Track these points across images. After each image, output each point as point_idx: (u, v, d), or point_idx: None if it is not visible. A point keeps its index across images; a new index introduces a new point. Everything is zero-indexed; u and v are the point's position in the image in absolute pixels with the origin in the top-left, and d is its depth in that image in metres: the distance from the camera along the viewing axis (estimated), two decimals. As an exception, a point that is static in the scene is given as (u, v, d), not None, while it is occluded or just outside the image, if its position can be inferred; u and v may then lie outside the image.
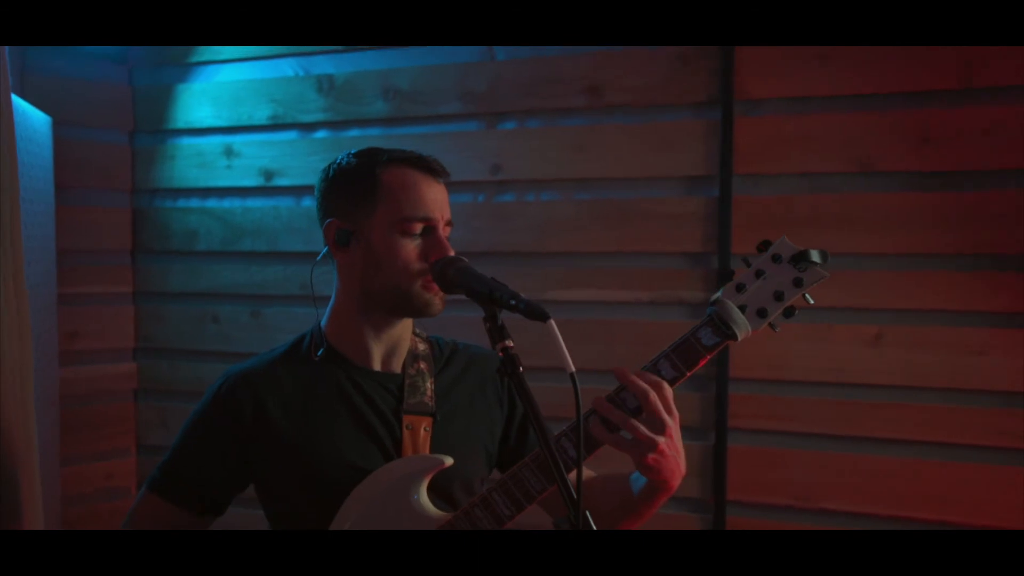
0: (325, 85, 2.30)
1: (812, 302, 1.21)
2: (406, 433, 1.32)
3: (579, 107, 2.08)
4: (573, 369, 1.01)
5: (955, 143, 1.81)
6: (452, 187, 1.39)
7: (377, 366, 1.36)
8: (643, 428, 1.14)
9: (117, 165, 2.46)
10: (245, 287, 2.40)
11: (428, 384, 1.36)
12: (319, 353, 1.34)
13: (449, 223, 1.33)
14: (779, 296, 1.19)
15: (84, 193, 2.39)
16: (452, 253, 1.28)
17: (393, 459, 1.31)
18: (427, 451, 1.33)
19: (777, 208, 1.93)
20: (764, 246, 1.21)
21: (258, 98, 2.36)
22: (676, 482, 1.20)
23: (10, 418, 1.56)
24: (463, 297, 1.20)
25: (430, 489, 1.29)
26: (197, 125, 2.42)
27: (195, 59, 2.42)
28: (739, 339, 1.19)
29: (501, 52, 2.15)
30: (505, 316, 1.12)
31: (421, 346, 1.40)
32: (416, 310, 1.31)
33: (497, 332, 1.09)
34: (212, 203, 2.43)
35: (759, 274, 1.20)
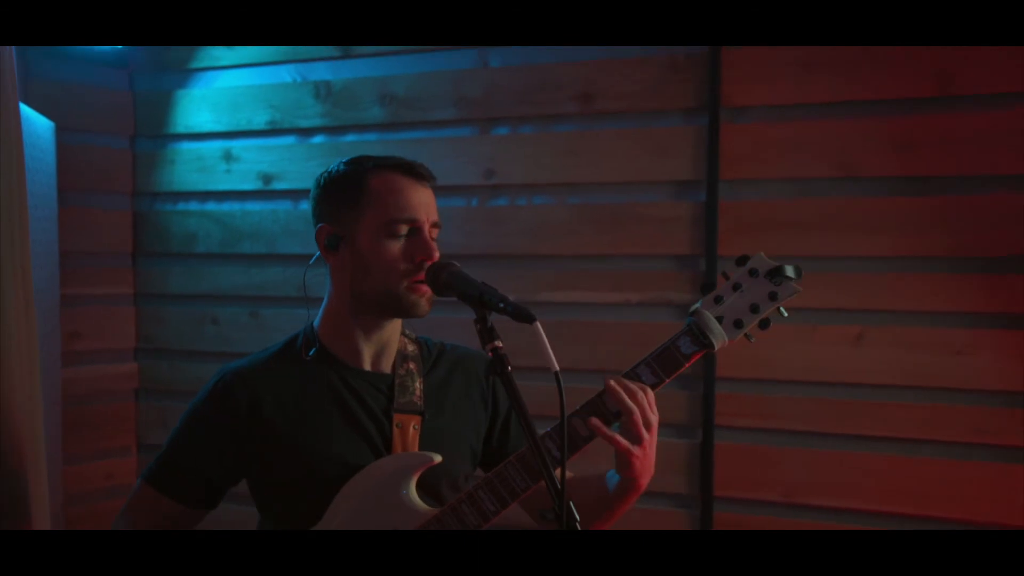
0: (322, 91, 2.35)
1: (786, 315, 1.27)
2: (396, 431, 1.37)
3: (571, 113, 2.13)
4: (557, 368, 1.06)
5: (934, 149, 1.86)
6: (446, 191, 1.44)
7: (367, 366, 1.41)
8: (634, 429, 1.22)
9: (118, 169, 2.50)
10: (244, 289, 2.44)
11: (417, 384, 1.41)
12: (311, 353, 1.39)
13: (436, 225, 1.38)
14: (755, 308, 1.26)
15: (86, 196, 2.44)
16: (437, 254, 1.34)
17: (383, 456, 1.36)
18: (416, 448, 1.38)
19: (762, 212, 1.98)
20: (742, 260, 1.28)
21: (257, 104, 2.41)
22: (645, 481, 1.28)
23: (20, 420, 1.60)
24: (455, 299, 1.25)
25: (418, 485, 1.34)
26: (197, 130, 2.47)
27: (195, 65, 2.46)
28: (716, 348, 1.26)
29: (495, 60, 2.20)
30: (496, 318, 1.17)
31: (410, 347, 1.45)
32: (403, 310, 1.36)
33: (487, 333, 1.15)
34: (211, 206, 2.48)
35: (736, 287, 1.27)
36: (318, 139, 2.37)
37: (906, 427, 1.90)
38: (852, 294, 1.92)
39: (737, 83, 1.99)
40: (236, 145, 2.44)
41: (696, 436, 2.05)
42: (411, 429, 1.38)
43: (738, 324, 1.26)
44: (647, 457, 1.25)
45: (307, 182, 2.31)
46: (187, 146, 2.49)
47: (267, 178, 2.41)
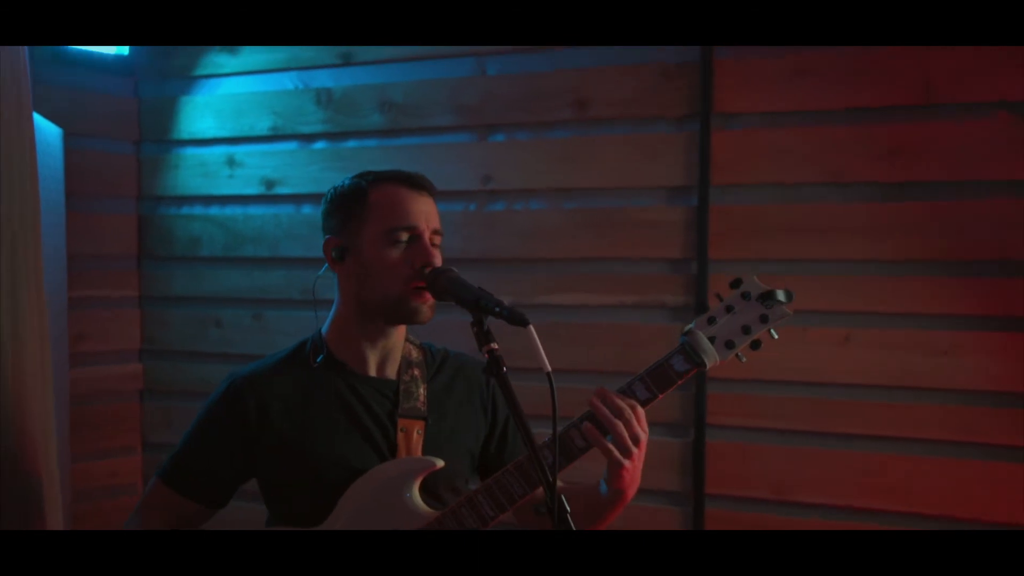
0: (324, 98, 2.39)
1: (776, 337, 1.32)
2: (400, 436, 1.43)
3: (566, 120, 2.17)
4: (549, 369, 1.12)
5: (918, 155, 1.91)
6: (445, 196, 1.49)
7: (373, 372, 1.46)
8: (622, 444, 1.28)
9: (124, 174, 2.55)
10: (247, 291, 2.48)
11: (421, 390, 1.46)
12: (318, 359, 1.44)
13: (437, 232, 1.43)
14: (746, 330, 1.31)
15: (92, 201, 2.48)
16: (438, 260, 1.39)
17: (387, 460, 1.41)
18: (420, 453, 1.43)
19: (752, 216, 2.03)
20: (735, 284, 1.32)
21: (259, 110, 2.45)
22: (632, 492, 1.34)
23: (35, 422, 1.62)
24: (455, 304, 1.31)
25: (420, 487, 1.39)
26: (200, 136, 2.52)
27: (199, 72, 2.51)
28: (707, 367, 1.31)
29: (492, 68, 2.25)
30: (492, 322, 1.23)
31: (415, 353, 1.50)
32: (406, 316, 1.41)
33: (483, 336, 1.20)
34: (215, 211, 2.52)
35: (729, 309, 1.32)
36: (319, 145, 2.42)
37: (892, 426, 1.95)
38: (839, 297, 1.97)
39: (728, 91, 2.03)
40: (239, 151, 2.49)
41: (688, 435, 2.09)
42: (415, 434, 1.43)
43: (729, 345, 1.32)
44: (635, 470, 1.30)
45: (309, 187, 2.40)
46: (191, 151, 2.54)
47: (269, 183, 2.46)
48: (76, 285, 2.38)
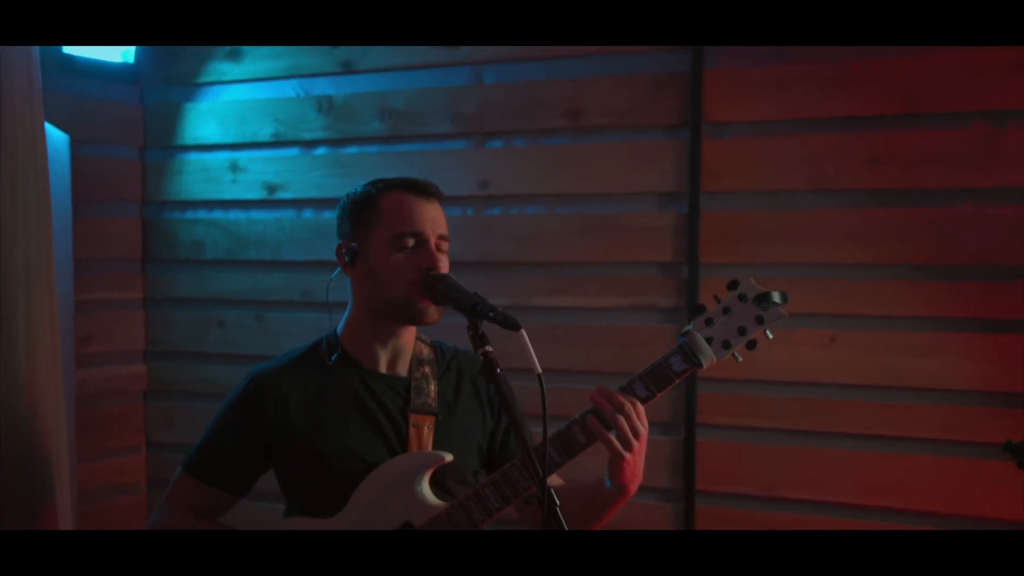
0: (325, 105, 2.45)
1: (771, 337, 1.37)
2: (412, 431, 1.49)
3: (561, 128, 2.23)
4: (540, 371, 1.18)
5: (901, 163, 1.96)
6: (444, 202, 1.55)
7: (385, 369, 1.53)
8: (623, 437, 1.34)
9: (129, 179, 2.59)
10: (249, 294, 2.53)
11: (432, 386, 1.52)
12: (333, 357, 1.51)
13: (443, 238, 1.49)
14: (742, 331, 1.36)
15: (97, 205, 2.51)
16: (442, 264, 1.45)
17: (399, 454, 1.48)
18: (430, 447, 1.50)
19: (741, 222, 2.08)
20: (732, 285, 1.37)
21: (262, 117, 2.50)
22: (634, 487, 1.39)
23: (47, 423, 1.66)
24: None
25: (429, 480, 1.45)
26: (204, 142, 2.56)
27: (202, 80, 2.56)
28: (704, 367, 1.36)
29: (489, 77, 2.31)
30: (490, 326, 1.29)
31: (426, 351, 1.56)
32: (414, 317, 1.48)
33: (478, 339, 1.28)
34: (218, 215, 2.57)
35: (726, 310, 1.36)
36: (320, 151, 2.47)
37: (876, 424, 2.00)
38: (825, 300, 2.02)
39: (718, 100, 2.09)
40: (242, 156, 2.53)
41: (679, 433, 2.15)
42: (425, 429, 1.50)
43: (726, 345, 1.36)
44: (636, 464, 1.36)
45: (310, 192, 2.46)
46: (195, 157, 2.58)
47: (272, 188, 2.51)
48: (82, 288, 2.42)
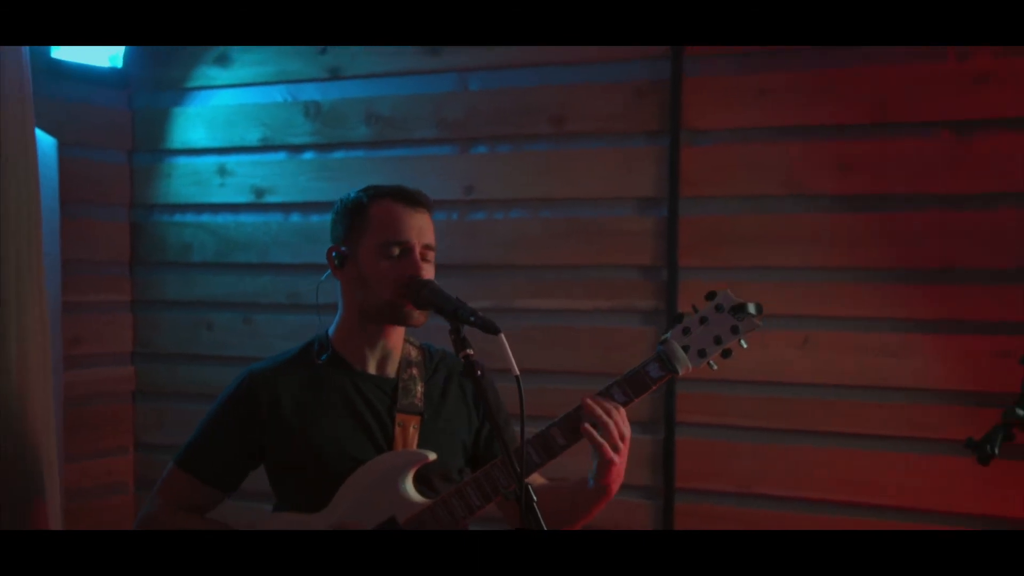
0: (312, 111, 2.49)
1: (746, 346, 1.43)
2: (397, 430, 1.54)
3: (544, 134, 2.27)
4: (517, 372, 1.24)
5: (872, 170, 2.03)
6: (431, 210, 1.59)
7: (373, 370, 1.58)
8: (612, 441, 1.39)
9: (117, 183, 2.61)
10: (237, 296, 2.56)
11: (419, 387, 1.58)
12: (323, 358, 1.56)
13: (428, 247, 1.54)
14: (718, 340, 1.41)
15: (86, 208, 2.53)
16: (426, 272, 1.50)
17: (385, 452, 1.52)
18: (415, 446, 1.55)
19: (719, 226, 2.13)
20: (710, 296, 1.42)
21: (249, 122, 2.53)
22: (616, 487, 1.45)
23: (37, 423, 1.69)
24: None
25: (414, 478, 1.50)
26: (192, 146, 2.59)
27: (191, 84, 2.59)
28: (680, 374, 1.42)
29: (474, 83, 2.35)
30: (471, 330, 1.34)
31: (414, 353, 1.62)
32: (399, 320, 1.53)
33: (460, 342, 1.33)
34: (206, 218, 2.60)
35: (703, 320, 1.41)
36: (308, 155, 2.51)
37: (848, 422, 2.06)
38: (799, 301, 2.08)
39: (696, 108, 2.14)
40: (230, 160, 2.57)
41: (659, 432, 2.20)
42: (411, 428, 1.55)
43: (702, 354, 1.41)
44: (621, 465, 1.42)
45: (297, 196, 2.50)
46: (183, 161, 2.61)
47: (259, 192, 2.55)
48: (71, 290, 2.44)
